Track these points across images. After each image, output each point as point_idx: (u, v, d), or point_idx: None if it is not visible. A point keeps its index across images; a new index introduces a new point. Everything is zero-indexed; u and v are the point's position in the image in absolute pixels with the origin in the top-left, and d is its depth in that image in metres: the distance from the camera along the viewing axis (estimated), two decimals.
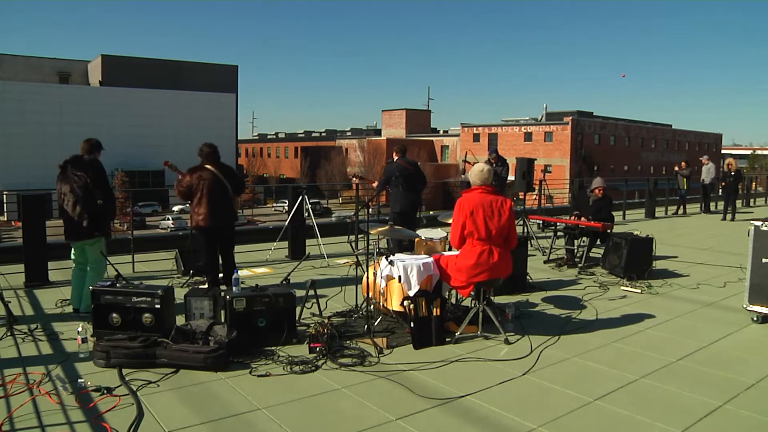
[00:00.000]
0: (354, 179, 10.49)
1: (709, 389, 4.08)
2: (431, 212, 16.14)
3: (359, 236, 9.63)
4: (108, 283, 4.98)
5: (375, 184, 9.04)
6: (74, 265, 5.94)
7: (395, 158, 8.25)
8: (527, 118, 60.90)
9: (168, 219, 40.22)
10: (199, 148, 6.28)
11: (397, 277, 5.15)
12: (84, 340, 4.53)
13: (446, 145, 63.61)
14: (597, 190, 8.57)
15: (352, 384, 4.11)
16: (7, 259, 7.96)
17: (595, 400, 3.90)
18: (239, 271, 5.51)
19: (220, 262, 6.36)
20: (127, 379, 4.10)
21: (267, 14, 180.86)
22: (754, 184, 23.78)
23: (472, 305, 5.26)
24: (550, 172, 49.04)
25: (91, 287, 4.98)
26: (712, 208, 17.35)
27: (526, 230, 9.84)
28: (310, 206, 9.13)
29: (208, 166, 6.14)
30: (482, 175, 5.18)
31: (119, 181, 43.61)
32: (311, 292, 5.68)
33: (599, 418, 3.66)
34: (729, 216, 14.78)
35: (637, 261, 7.52)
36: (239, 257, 7.81)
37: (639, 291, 6.93)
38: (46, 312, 5.87)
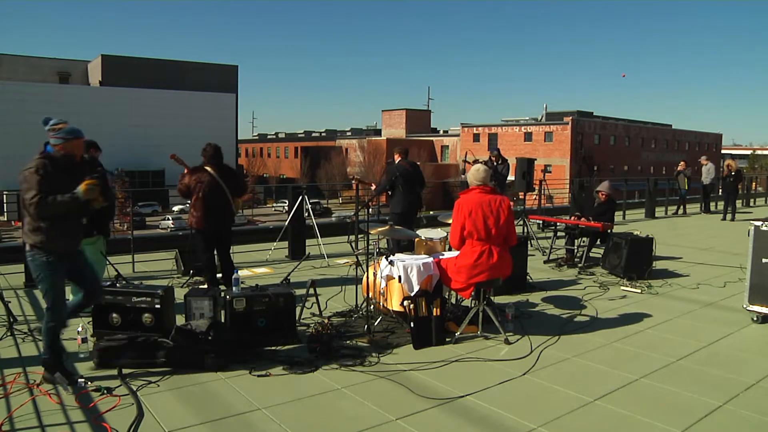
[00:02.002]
0: (354, 181, 10.54)
1: (709, 389, 4.08)
2: (431, 212, 16.14)
3: (359, 236, 9.63)
4: (108, 283, 4.98)
5: (374, 187, 9.03)
6: None
7: (397, 159, 8.23)
8: (527, 118, 60.90)
9: (168, 219, 40.17)
10: (203, 147, 6.30)
11: (397, 277, 5.16)
12: (84, 340, 4.53)
13: (446, 145, 63.61)
14: (601, 194, 8.55)
15: (352, 384, 4.10)
16: (7, 259, 7.96)
17: (595, 400, 3.90)
18: (239, 271, 5.51)
19: (218, 261, 6.37)
20: (127, 379, 4.10)
21: (267, 14, 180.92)
22: (754, 184, 23.77)
23: (472, 305, 5.26)
24: (550, 172, 49.03)
25: None
26: (712, 208, 17.35)
27: (526, 230, 9.84)
28: (310, 206, 9.14)
29: (208, 168, 6.15)
30: (479, 175, 5.19)
31: (119, 181, 43.56)
32: (311, 292, 5.68)
33: (599, 418, 3.66)
34: (729, 216, 14.78)
35: (637, 261, 7.51)
36: (239, 257, 7.82)
37: (639, 291, 6.93)
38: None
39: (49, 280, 3.97)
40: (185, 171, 6.25)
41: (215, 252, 6.33)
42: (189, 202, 6.30)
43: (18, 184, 3.93)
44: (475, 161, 9.82)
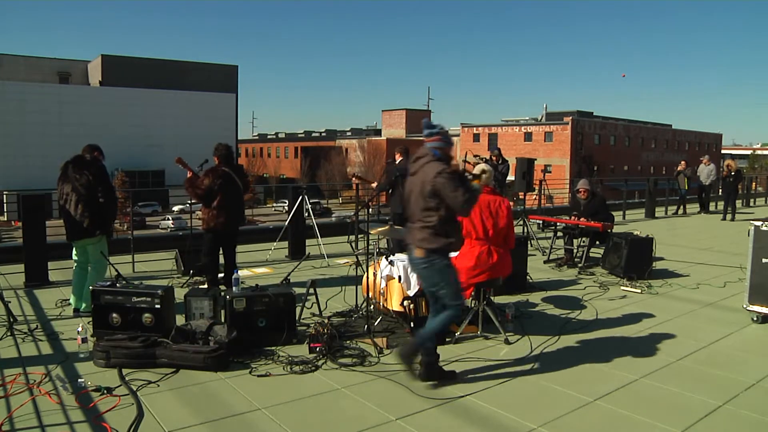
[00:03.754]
0: (353, 179, 10.58)
1: (709, 389, 4.08)
2: None
3: (359, 236, 9.63)
4: (108, 283, 4.98)
5: (374, 185, 9.03)
6: (75, 264, 5.94)
7: (398, 159, 8.20)
8: (527, 118, 60.91)
9: (168, 219, 40.14)
10: (215, 147, 6.29)
11: (397, 277, 5.16)
12: (84, 340, 4.53)
13: None
14: (582, 192, 8.52)
15: (352, 384, 4.11)
16: (7, 259, 7.96)
17: (595, 400, 3.90)
18: (239, 271, 5.52)
19: (222, 261, 6.38)
20: (127, 379, 4.10)
21: (267, 14, 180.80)
22: (754, 184, 23.76)
23: (472, 305, 5.27)
24: (550, 172, 49.01)
25: (90, 287, 4.99)
26: (712, 208, 17.35)
27: (526, 230, 9.84)
28: (310, 206, 9.13)
29: (226, 169, 6.16)
30: (481, 176, 5.18)
31: (119, 181, 43.55)
32: (311, 292, 5.68)
33: (599, 418, 3.66)
34: (729, 216, 14.78)
35: (637, 261, 7.51)
36: (239, 257, 7.79)
37: (639, 291, 6.93)
38: (46, 312, 5.87)
39: (453, 282, 4.03)
40: (189, 175, 6.21)
41: (221, 252, 6.35)
42: (195, 202, 6.29)
43: (434, 187, 3.86)
44: (476, 156, 9.82)
